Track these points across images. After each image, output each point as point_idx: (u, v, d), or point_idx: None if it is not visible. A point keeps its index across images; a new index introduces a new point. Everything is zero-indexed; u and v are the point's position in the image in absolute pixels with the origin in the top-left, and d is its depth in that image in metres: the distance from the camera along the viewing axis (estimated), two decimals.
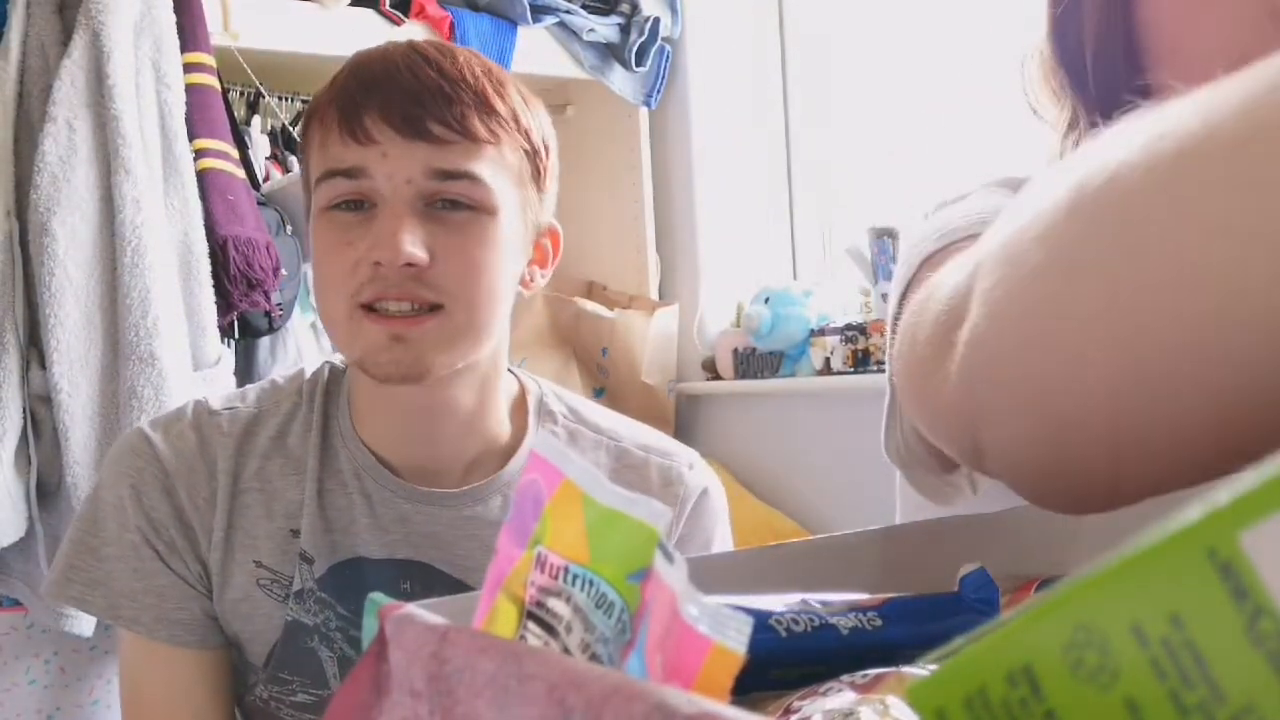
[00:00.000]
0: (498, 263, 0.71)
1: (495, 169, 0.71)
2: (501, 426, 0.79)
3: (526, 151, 0.73)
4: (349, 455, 0.76)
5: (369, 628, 0.32)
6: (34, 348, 1.28)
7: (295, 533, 0.75)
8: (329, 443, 0.77)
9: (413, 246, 0.68)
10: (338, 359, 0.81)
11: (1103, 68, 0.53)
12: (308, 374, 0.81)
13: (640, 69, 1.89)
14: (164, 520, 0.74)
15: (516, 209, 0.73)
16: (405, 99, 0.69)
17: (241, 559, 0.75)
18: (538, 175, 0.74)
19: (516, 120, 0.72)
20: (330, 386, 0.79)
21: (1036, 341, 0.23)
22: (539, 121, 0.74)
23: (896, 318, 0.40)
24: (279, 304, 1.44)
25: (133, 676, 0.77)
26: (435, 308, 0.69)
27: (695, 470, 0.84)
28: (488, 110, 0.70)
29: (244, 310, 1.40)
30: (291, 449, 0.76)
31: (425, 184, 0.69)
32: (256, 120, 1.60)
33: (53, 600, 0.76)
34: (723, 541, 0.85)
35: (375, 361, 0.70)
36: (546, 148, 0.75)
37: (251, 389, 0.80)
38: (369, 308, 0.69)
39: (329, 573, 0.75)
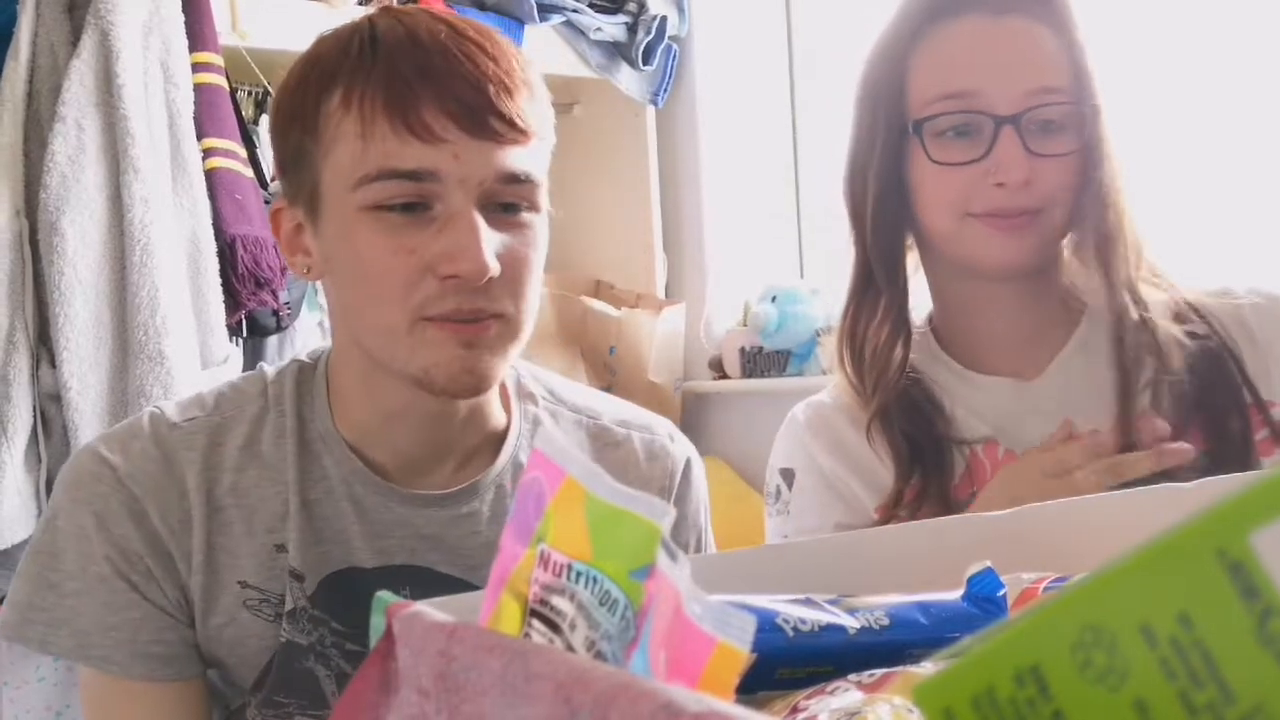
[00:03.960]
0: (541, 264, 0.68)
1: (539, 166, 0.67)
2: (496, 416, 0.75)
3: (550, 144, 0.70)
4: (334, 461, 0.71)
5: (376, 626, 0.32)
6: (44, 346, 1.29)
7: (280, 547, 0.70)
8: (309, 449, 0.71)
9: (493, 260, 0.63)
10: (305, 356, 0.75)
11: (881, 212, 0.78)
12: (270, 374, 0.74)
13: (647, 68, 1.89)
14: (137, 549, 0.68)
15: (546, 204, 0.69)
16: (470, 91, 0.62)
17: (226, 580, 0.69)
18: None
19: (548, 113, 0.68)
20: (302, 387, 0.72)
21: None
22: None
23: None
24: (286, 303, 1.44)
25: (102, 718, 0.71)
26: (495, 317, 0.66)
27: (677, 441, 0.83)
28: (534, 103, 0.66)
29: (252, 309, 1.40)
30: (265, 457, 0.70)
31: (494, 187, 0.64)
32: (264, 119, 1.61)
33: (11, 641, 0.70)
34: (706, 507, 0.84)
35: (448, 374, 0.65)
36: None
37: (209, 394, 0.74)
38: (430, 319, 0.64)
39: (320, 587, 0.70)
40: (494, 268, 0.64)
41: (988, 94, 0.73)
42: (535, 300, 0.68)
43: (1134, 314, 0.76)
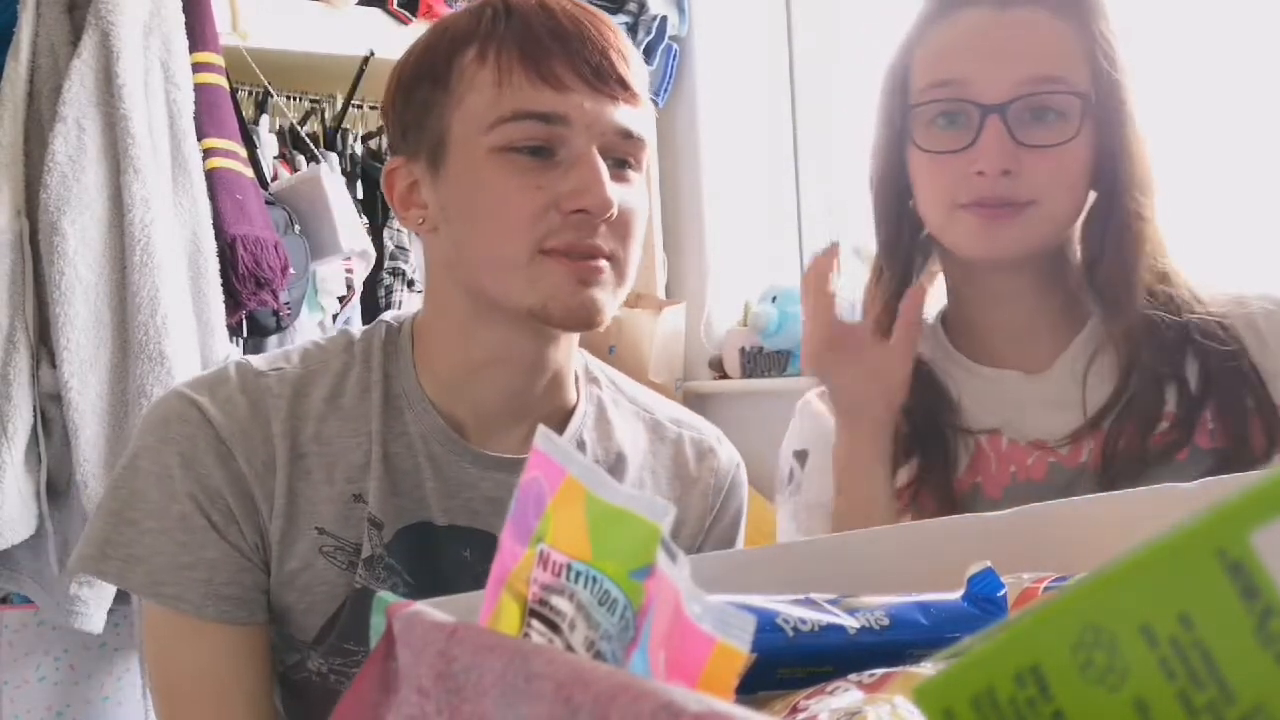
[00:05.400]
0: (645, 222, 0.74)
1: (647, 130, 0.73)
2: (570, 391, 0.78)
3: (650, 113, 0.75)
4: (415, 417, 0.74)
5: (376, 625, 0.32)
6: (44, 346, 1.29)
7: (357, 497, 0.72)
8: (392, 404, 0.74)
9: (616, 196, 0.69)
10: (390, 318, 0.78)
11: (883, 200, 0.81)
12: (357, 333, 0.77)
13: (648, 68, 1.89)
14: (220, 488, 0.70)
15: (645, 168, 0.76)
16: (595, 53, 0.69)
17: (304, 525, 0.71)
18: None
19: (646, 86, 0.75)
20: (389, 346, 0.76)
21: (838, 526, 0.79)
22: None
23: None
24: (287, 303, 1.44)
25: (168, 661, 0.72)
26: (608, 258, 0.70)
27: (723, 444, 0.86)
28: (641, 73, 0.73)
29: (252, 309, 1.40)
30: (348, 409, 0.73)
31: (612, 140, 0.70)
32: (265, 119, 1.61)
33: (86, 573, 0.72)
34: (744, 517, 0.87)
35: (565, 307, 0.69)
36: None
37: (293, 350, 0.77)
38: (547, 252, 0.69)
39: (396, 538, 0.73)
40: (616, 204, 0.69)
41: (976, 83, 0.73)
42: (639, 254, 0.73)
43: (1144, 316, 0.75)
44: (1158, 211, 0.75)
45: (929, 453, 0.77)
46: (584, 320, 0.70)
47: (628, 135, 0.70)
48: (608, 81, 0.69)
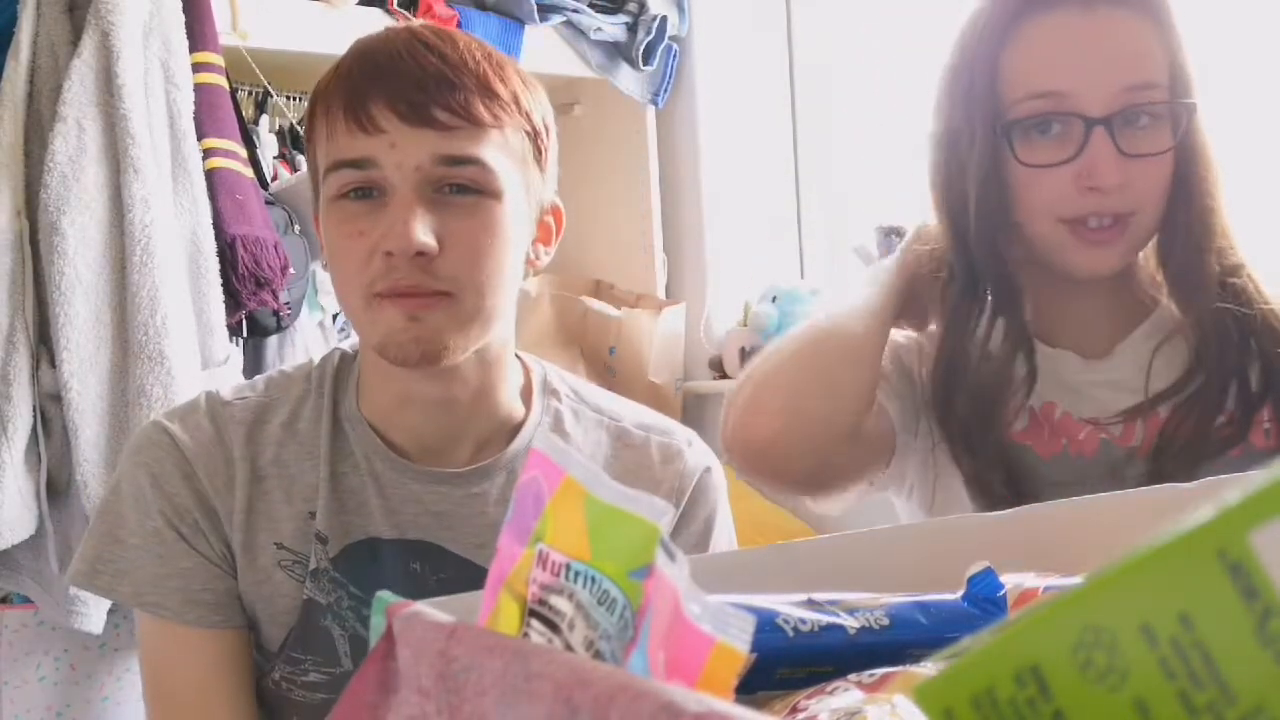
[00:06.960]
0: (504, 246, 0.73)
1: (499, 152, 0.72)
2: (510, 407, 0.80)
3: (528, 133, 0.74)
4: (357, 438, 0.78)
5: (376, 625, 0.32)
6: (44, 346, 1.29)
7: (312, 515, 0.77)
8: (339, 427, 0.78)
9: (424, 235, 0.69)
10: (347, 346, 0.83)
11: (983, 212, 0.76)
12: (316, 360, 0.82)
13: (647, 68, 1.89)
14: (186, 504, 0.76)
15: (521, 190, 0.74)
16: (410, 86, 0.70)
17: (263, 540, 0.76)
18: (539, 155, 0.76)
19: (518, 103, 0.73)
20: (340, 372, 0.80)
21: (750, 406, 0.77)
22: (539, 103, 0.76)
23: None
24: (287, 303, 1.44)
25: (157, 665, 0.78)
26: (444, 295, 0.71)
27: (694, 447, 0.85)
28: (490, 94, 0.71)
29: (252, 309, 1.40)
30: (303, 434, 0.78)
31: (433, 170, 0.70)
32: (264, 120, 1.61)
33: (80, 588, 0.79)
34: (723, 519, 0.86)
35: (397, 343, 0.71)
36: (547, 128, 0.77)
37: (261, 379, 0.82)
38: (380, 294, 0.71)
39: (342, 553, 0.77)
40: (424, 244, 0.69)
41: (1078, 94, 0.72)
42: (496, 280, 0.72)
43: (1215, 309, 0.74)
44: (1226, 203, 0.75)
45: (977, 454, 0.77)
46: (417, 358, 0.71)
47: (453, 161, 0.70)
48: (425, 113, 0.69)
